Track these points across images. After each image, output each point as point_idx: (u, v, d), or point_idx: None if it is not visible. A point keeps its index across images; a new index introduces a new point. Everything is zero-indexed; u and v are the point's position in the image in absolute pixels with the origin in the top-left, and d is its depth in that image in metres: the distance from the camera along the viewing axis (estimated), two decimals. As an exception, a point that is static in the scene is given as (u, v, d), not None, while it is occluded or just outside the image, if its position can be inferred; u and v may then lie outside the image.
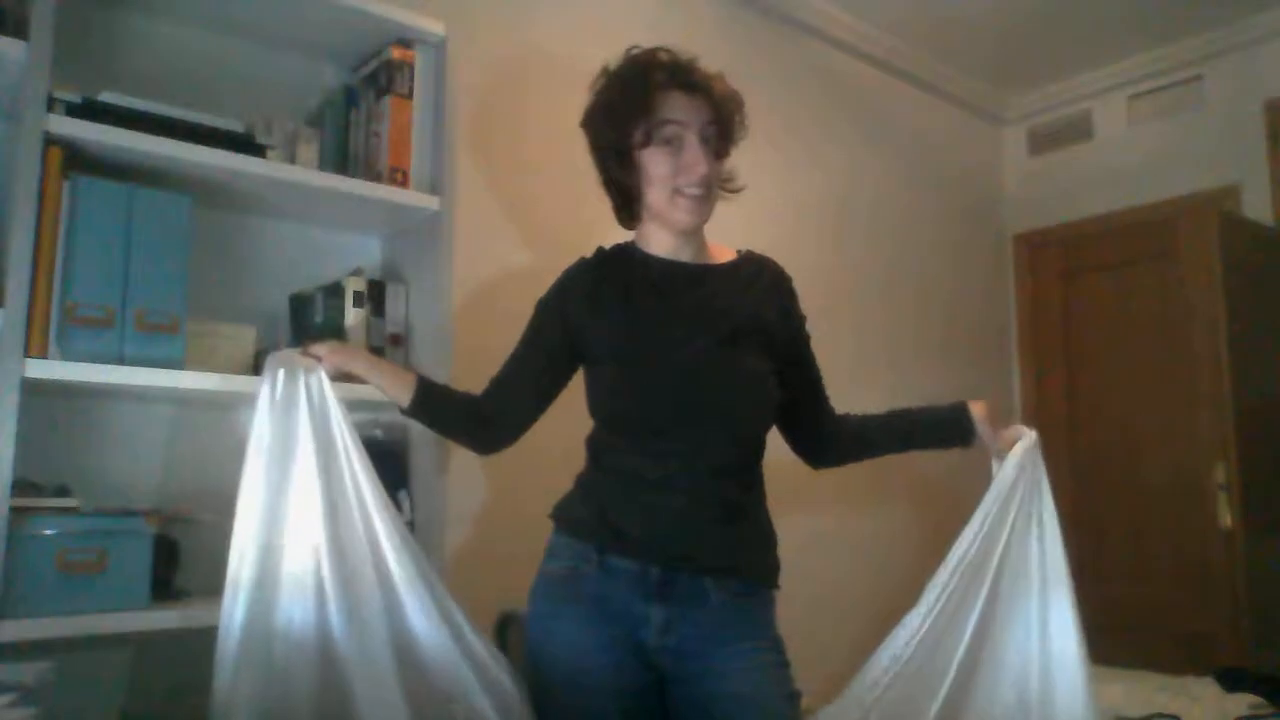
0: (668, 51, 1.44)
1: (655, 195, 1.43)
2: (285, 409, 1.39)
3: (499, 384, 1.54)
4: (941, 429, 1.57)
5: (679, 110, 1.40)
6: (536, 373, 1.52)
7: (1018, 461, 1.55)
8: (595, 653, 1.36)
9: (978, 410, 1.56)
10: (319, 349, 1.47)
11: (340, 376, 1.47)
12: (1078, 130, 3.98)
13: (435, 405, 1.52)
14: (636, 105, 1.40)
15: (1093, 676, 1.49)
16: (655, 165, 1.41)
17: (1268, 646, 2.95)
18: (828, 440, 1.60)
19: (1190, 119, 3.65)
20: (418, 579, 1.39)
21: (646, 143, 1.40)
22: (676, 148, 1.40)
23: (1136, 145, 3.78)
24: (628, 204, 1.49)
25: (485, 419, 1.54)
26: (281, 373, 1.40)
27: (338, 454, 1.40)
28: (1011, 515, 1.54)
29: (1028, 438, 1.56)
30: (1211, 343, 3.14)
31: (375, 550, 1.38)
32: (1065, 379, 3.90)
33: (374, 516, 1.39)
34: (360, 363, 1.51)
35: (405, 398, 1.49)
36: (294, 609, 1.32)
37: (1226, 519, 3.11)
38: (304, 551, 1.35)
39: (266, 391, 1.39)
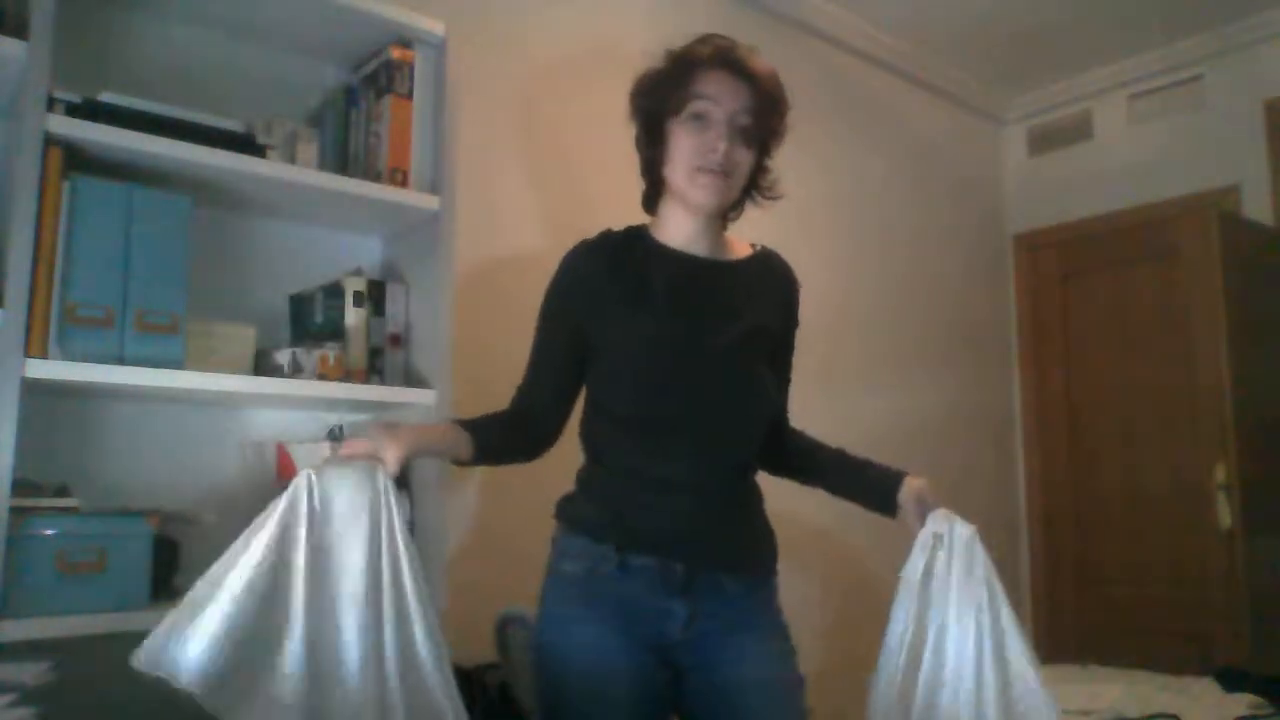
0: (725, 38, 1.45)
1: (675, 172, 1.43)
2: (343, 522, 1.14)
3: (528, 389, 1.48)
4: (872, 495, 1.49)
5: (713, 87, 1.40)
6: (558, 369, 1.47)
7: (921, 550, 1.37)
8: (616, 655, 1.36)
9: (911, 488, 1.43)
10: (373, 445, 1.23)
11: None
12: (1078, 130, 3.97)
13: (492, 448, 1.42)
14: (674, 74, 1.42)
15: None
16: (679, 140, 1.41)
17: (1268, 646, 2.95)
18: (776, 449, 1.54)
19: (1190, 119, 3.65)
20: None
21: (676, 112, 1.40)
22: (703, 125, 1.40)
23: (1136, 145, 3.78)
24: (653, 183, 1.50)
25: (524, 430, 1.46)
26: (343, 480, 1.15)
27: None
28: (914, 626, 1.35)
29: (945, 523, 1.36)
30: (1212, 343, 3.14)
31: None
32: (1065, 379, 3.90)
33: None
34: (415, 443, 1.29)
35: (465, 452, 1.36)
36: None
37: (1226, 519, 3.11)
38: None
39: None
